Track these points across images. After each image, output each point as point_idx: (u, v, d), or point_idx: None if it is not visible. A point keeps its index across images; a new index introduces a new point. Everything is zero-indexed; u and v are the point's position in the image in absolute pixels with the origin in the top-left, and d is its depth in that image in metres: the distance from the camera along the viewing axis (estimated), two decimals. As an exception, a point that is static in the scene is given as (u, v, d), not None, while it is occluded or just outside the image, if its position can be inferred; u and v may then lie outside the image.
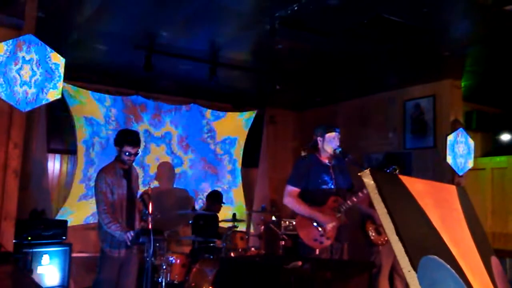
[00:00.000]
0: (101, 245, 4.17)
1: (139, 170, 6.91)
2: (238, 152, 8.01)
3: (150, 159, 7.16)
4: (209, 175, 7.71)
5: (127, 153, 4.14)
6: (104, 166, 4.34)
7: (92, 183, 5.97)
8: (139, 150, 4.23)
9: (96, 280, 4.20)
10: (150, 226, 3.96)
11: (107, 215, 4.04)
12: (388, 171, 4.21)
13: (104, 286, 4.12)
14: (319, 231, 3.89)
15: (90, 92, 6.66)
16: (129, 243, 3.99)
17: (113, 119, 6.85)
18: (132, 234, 3.96)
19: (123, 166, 4.22)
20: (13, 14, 3.71)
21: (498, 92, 6.68)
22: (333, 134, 4.04)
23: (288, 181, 4.10)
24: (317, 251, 3.88)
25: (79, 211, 6.48)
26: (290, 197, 4.02)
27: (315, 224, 3.90)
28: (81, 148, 6.58)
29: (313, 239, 3.90)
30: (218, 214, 6.35)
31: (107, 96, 6.82)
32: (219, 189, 6.94)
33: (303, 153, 4.24)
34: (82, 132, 6.59)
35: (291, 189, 4.04)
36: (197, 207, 7.04)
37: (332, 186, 4.03)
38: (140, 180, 6.95)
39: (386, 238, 4.75)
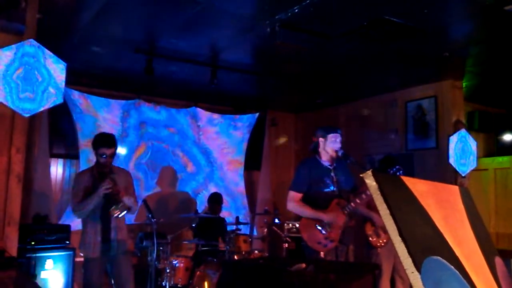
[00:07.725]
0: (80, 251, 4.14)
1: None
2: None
3: (153, 163, 7.17)
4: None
5: (103, 155, 4.06)
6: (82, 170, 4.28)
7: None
8: (115, 151, 4.16)
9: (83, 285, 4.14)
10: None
11: (78, 203, 3.99)
12: (391, 172, 4.21)
13: None
14: (323, 234, 3.87)
15: (91, 96, 6.67)
16: (103, 190, 3.93)
17: (115, 123, 6.86)
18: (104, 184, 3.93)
19: (101, 169, 4.13)
20: (14, 20, 3.73)
21: (500, 92, 6.67)
22: (335, 135, 4.04)
23: (290, 186, 4.09)
24: (322, 254, 3.85)
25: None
26: (294, 202, 4.01)
27: (318, 227, 3.89)
28: (83, 152, 6.58)
29: (317, 242, 3.88)
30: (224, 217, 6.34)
31: (108, 100, 6.82)
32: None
33: None
34: (84, 137, 6.60)
35: (294, 194, 4.03)
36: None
37: (335, 189, 4.00)
38: (143, 185, 7.00)
39: (385, 240, 4.72)
